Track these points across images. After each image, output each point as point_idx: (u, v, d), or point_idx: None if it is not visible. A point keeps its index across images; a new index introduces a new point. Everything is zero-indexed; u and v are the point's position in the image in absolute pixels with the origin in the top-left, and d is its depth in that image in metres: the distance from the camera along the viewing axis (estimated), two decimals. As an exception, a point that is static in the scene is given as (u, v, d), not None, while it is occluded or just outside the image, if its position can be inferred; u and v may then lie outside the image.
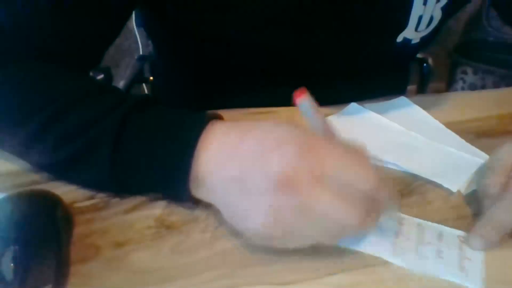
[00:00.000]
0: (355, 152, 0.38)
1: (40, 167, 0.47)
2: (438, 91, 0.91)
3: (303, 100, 0.37)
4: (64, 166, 0.44)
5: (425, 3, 0.53)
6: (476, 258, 0.40)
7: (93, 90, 0.46)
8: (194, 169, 0.39)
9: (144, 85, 1.18)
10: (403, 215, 0.43)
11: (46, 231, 0.39)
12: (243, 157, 0.38)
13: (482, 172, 0.46)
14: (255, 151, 0.37)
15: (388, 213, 0.40)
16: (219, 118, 0.43)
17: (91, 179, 0.44)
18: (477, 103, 0.60)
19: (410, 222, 0.43)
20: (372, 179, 0.36)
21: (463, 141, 0.53)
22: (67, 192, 0.44)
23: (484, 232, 0.41)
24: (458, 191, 0.46)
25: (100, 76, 0.95)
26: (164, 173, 0.41)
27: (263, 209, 0.36)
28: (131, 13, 0.57)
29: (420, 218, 0.43)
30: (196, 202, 0.42)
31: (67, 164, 0.43)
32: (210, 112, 0.43)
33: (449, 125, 0.55)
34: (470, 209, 0.45)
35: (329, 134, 0.39)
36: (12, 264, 0.35)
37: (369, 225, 0.37)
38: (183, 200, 0.42)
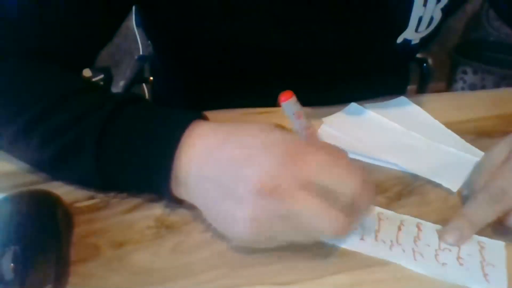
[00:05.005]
0: (338, 157, 0.38)
1: (30, 164, 0.47)
2: (438, 91, 0.91)
3: (288, 103, 0.37)
4: (51, 163, 0.44)
5: (425, 4, 0.53)
6: (499, 264, 0.39)
7: (79, 88, 0.46)
8: (175, 169, 0.39)
9: (144, 85, 1.18)
10: (421, 221, 0.43)
11: (46, 231, 0.39)
12: (226, 160, 0.37)
13: (473, 170, 0.47)
14: (238, 154, 0.37)
15: (367, 214, 0.40)
16: (204, 118, 0.43)
17: (77, 177, 0.44)
18: (477, 103, 0.60)
19: (429, 228, 0.42)
20: (355, 184, 0.36)
21: (463, 141, 0.53)
22: (67, 192, 0.44)
23: (458, 227, 0.41)
24: (458, 191, 0.46)
25: (100, 76, 0.95)
26: (146, 171, 0.41)
27: (246, 215, 0.35)
28: (126, 14, 0.57)
29: (420, 218, 0.43)
30: (180, 202, 0.42)
31: (54, 162, 0.44)
32: (195, 112, 0.43)
33: (449, 125, 0.55)
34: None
35: (312, 138, 0.39)
36: (12, 264, 0.35)
37: (349, 229, 0.37)
38: (167, 199, 0.42)
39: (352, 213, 0.37)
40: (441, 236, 0.41)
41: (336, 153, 0.38)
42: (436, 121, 0.56)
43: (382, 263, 0.39)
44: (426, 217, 0.43)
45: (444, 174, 0.48)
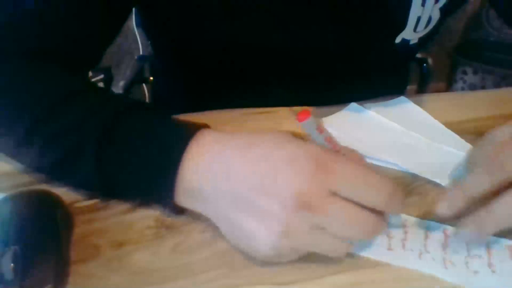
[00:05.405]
0: (361, 165, 0.38)
1: (31, 169, 0.47)
2: (438, 91, 0.91)
3: (307, 121, 0.37)
4: (52, 169, 0.44)
5: (423, 4, 0.53)
6: None
7: (79, 90, 0.46)
8: (182, 177, 0.38)
9: (144, 85, 1.18)
10: (447, 226, 0.42)
11: (46, 231, 0.39)
12: (252, 174, 0.36)
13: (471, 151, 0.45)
14: (264, 168, 0.36)
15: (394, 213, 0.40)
16: (207, 128, 0.42)
17: (78, 183, 0.44)
18: (477, 103, 0.60)
19: (455, 232, 0.41)
20: (383, 193, 0.36)
21: (463, 141, 0.53)
22: (67, 192, 0.44)
23: (449, 195, 0.40)
24: (458, 191, 0.46)
25: (100, 76, 0.95)
26: (150, 179, 0.40)
27: (276, 231, 0.35)
28: (127, 15, 0.57)
29: (420, 218, 0.43)
30: (180, 212, 0.42)
31: (55, 168, 0.44)
32: (199, 122, 0.42)
33: (449, 125, 0.55)
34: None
35: (335, 146, 0.39)
36: (12, 264, 0.35)
37: (379, 231, 0.38)
38: (167, 208, 0.42)
39: (380, 217, 0.37)
40: (457, 232, 0.40)
41: (360, 160, 0.39)
42: (436, 121, 0.56)
43: (382, 264, 0.39)
44: (426, 217, 0.43)
45: (444, 174, 0.48)
